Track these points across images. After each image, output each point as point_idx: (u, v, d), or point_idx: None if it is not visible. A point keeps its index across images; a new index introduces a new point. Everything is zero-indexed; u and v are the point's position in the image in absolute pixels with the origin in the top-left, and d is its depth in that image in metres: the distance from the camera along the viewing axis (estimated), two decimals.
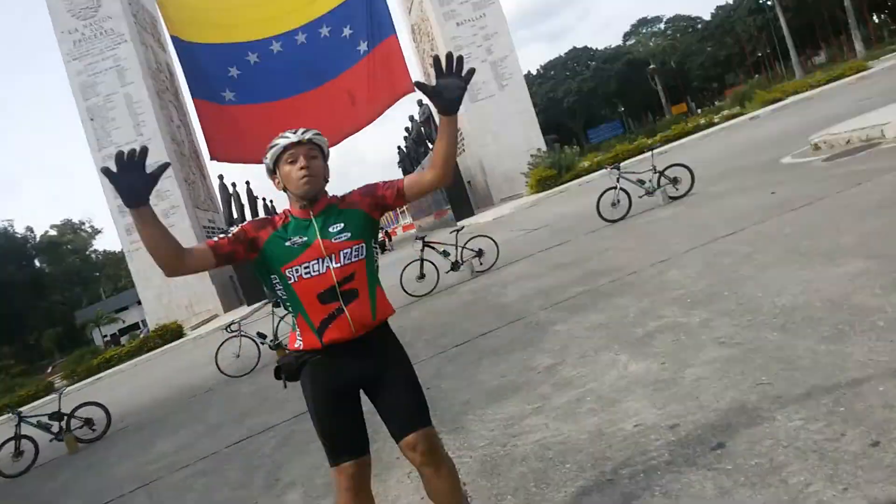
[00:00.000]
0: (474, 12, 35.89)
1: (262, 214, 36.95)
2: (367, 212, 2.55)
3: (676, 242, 7.57)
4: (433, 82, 2.38)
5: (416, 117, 41.10)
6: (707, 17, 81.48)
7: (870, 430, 2.56)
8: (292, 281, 2.44)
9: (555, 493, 3.14)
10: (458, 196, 30.46)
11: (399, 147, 47.18)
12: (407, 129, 42.53)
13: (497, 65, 36.03)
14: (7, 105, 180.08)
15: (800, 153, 11.55)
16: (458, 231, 10.82)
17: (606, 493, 2.93)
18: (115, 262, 76.68)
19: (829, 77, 32.51)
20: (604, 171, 13.83)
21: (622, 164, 12.33)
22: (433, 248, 10.56)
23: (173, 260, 2.31)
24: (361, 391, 2.63)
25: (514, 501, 3.23)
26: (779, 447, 2.71)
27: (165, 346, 24.38)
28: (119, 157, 2.09)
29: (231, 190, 32.69)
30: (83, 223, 76.76)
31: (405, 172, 47.19)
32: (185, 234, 30.51)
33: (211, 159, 33.49)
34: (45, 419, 9.18)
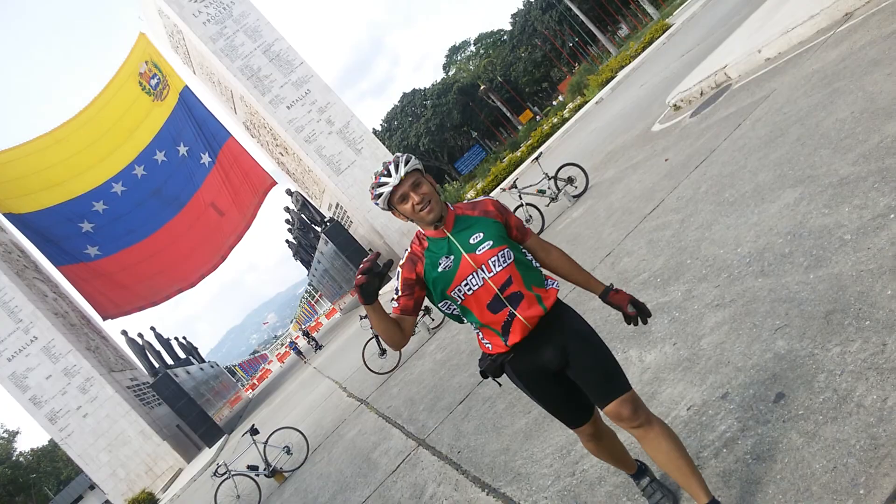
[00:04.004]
0: (297, 91, 36.37)
1: (180, 354, 35.48)
2: (501, 223, 2.70)
3: (609, 234, 7.97)
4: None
5: (292, 206, 40.90)
6: (508, 27, 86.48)
7: None
8: (460, 301, 2.63)
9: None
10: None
11: (287, 241, 46.67)
12: (287, 220, 42.19)
13: (344, 132, 36.62)
14: None
15: (664, 117, 12.36)
16: None
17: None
18: (49, 456, 71.11)
19: (643, 44, 35.20)
20: (502, 193, 14.35)
21: (517, 182, 12.84)
22: None
23: (400, 339, 2.64)
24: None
25: None
26: (834, 377, 2.95)
27: None
28: (368, 271, 2.38)
29: (140, 342, 31.24)
30: None
31: (303, 264, 46.59)
32: (112, 401, 29.01)
33: (104, 320, 31.84)
34: None
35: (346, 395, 12.17)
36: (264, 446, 9.54)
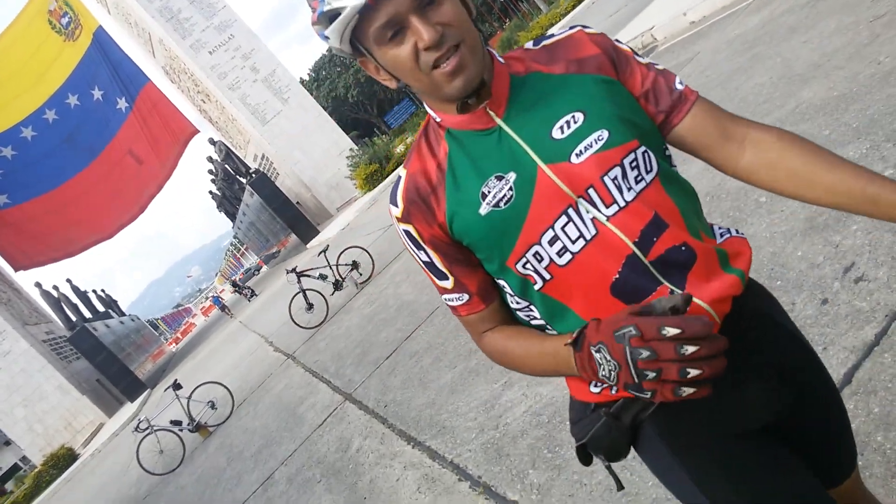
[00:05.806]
0: (220, 36, 34.88)
1: (99, 307, 34.24)
2: (616, 79, 1.12)
3: None
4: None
5: (215, 156, 39.48)
6: None
7: (813, 292, 3.01)
8: (539, 285, 1.11)
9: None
10: (294, 219, 29.92)
11: (211, 192, 45.16)
12: (210, 171, 40.79)
13: (269, 80, 35.45)
14: None
15: None
16: (325, 251, 10.73)
17: None
18: None
19: (573, 2, 35.25)
20: None
21: None
22: (308, 275, 10.40)
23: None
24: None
25: (537, 472, 3.38)
26: None
27: (65, 474, 22.83)
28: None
29: (56, 294, 30.02)
30: None
31: (228, 215, 45.33)
32: (27, 355, 28.04)
33: (16, 271, 30.37)
34: None
35: (272, 350, 12.07)
36: (188, 401, 9.42)
